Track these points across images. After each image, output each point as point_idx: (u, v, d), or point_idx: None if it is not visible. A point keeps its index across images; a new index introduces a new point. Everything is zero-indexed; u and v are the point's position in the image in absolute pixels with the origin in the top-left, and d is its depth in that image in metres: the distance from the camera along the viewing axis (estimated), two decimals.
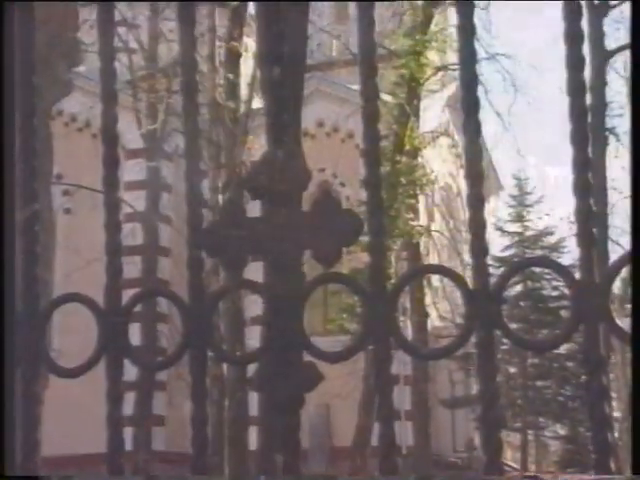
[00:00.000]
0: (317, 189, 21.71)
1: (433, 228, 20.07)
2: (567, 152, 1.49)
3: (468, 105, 1.52)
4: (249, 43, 16.56)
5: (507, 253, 23.22)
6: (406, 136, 17.23)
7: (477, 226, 1.48)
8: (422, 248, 18.55)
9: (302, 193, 1.50)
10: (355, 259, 11.34)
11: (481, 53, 18.94)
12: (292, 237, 1.48)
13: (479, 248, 1.48)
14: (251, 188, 1.49)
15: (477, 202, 1.49)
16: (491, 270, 1.52)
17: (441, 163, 22.11)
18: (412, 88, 17.47)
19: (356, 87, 1.57)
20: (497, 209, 24.57)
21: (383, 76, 16.98)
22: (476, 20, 1.60)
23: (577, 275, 1.47)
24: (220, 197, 14.25)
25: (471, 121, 1.51)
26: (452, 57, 17.51)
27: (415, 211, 17.69)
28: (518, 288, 22.11)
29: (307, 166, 1.56)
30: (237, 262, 1.49)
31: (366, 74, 1.54)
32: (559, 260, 1.59)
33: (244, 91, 15.81)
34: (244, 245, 1.48)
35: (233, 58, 15.07)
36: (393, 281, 1.54)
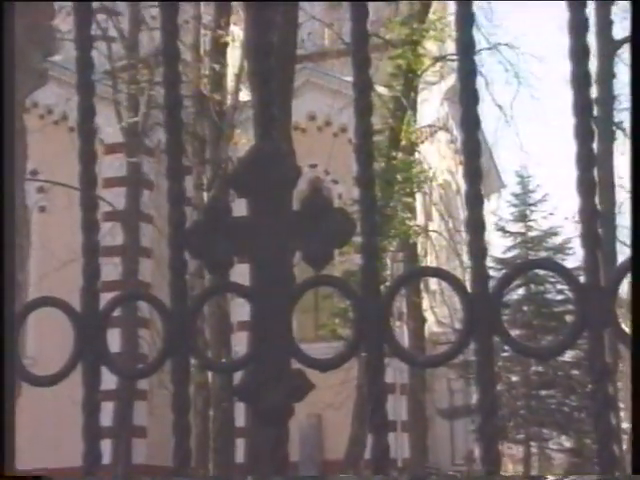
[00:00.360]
0: (308, 186, 21.73)
1: (431, 228, 20.11)
2: (572, 147, 1.50)
3: (467, 98, 1.52)
4: (236, 32, 16.57)
5: (509, 254, 23.28)
6: (402, 131, 17.26)
7: (476, 226, 1.48)
8: (419, 249, 18.59)
9: (292, 191, 1.50)
10: (348, 261, 11.35)
11: (482, 43, 19.03)
12: (280, 237, 1.48)
13: (478, 249, 1.48)
14: (237, 186, 1.50)
15: (476, 201, 1.49)
16: (492, 273, 1.52)
17: (439, 159, 22.16)
18: (409, 80, 17.50)
19: (349, 78, 1.58)
20: (499, 208, 24.61)
21: (378, 67, 16.99)
22: (476, 8, 1.61)
23: (582, 278, 1.47)
24: (205, 195, 14.26)
25: (470, 115, 1.51)
26: (451, 47, 17.55)
27: (412, 210, 17.72)
28: (520, 292, 22.17)
29: (297, 162, 1.57)
30: (222, 264, 1.49)
31: (359, 65, 1.54)
32: (564, 262, 1.60)
33: (231, 83, 15.82)
34: (229, 246, 1.48)
35: (219, 47, 15.08)
36: (388, 284, 1.55)
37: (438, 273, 1.54)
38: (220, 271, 1.52)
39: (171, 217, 1.54)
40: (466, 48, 1.53)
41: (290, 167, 1.48)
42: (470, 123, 1.51)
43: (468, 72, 1.52)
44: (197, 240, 1.49)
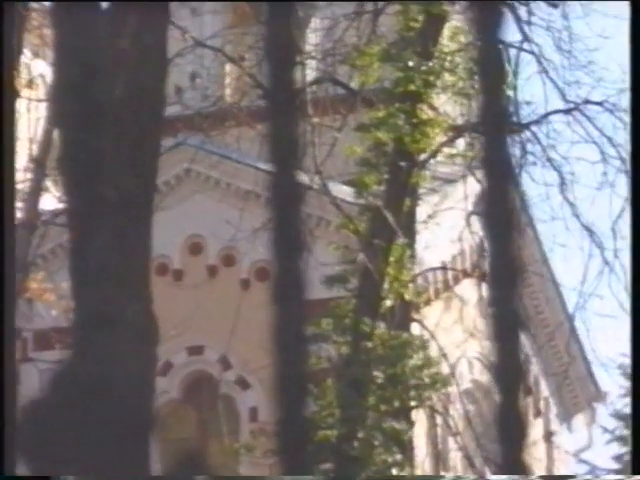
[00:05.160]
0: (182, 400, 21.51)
1: None
2: None
3: (498, 215, 1.52)
4: (39, 68, 16.80)
5: None
6: (387, 278, 17.39)
7: None
8: None
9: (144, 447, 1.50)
10: None
11: (552, 100, 19.28)
12: None
13: None
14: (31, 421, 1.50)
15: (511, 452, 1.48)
16: None
17: (464, 337, 22.28)
18: (400, 172, 17.74)
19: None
20: (591, 444, 24.70)
21: (338, 146, 17.09)
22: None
23: None
24: None
25: (500, 259, 1.49)
26: None
27: (403, 446, 17.73)
28: None
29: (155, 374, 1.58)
30: None
31: (282, 141, 1.57)
32: None
33: (24, 176, 15.92)
34: None
35: (2, 102, 15.22)
36: None
37: None
38: None
39: None
40: (495, 112, 1.54)
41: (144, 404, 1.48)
42: (502, 277, 1.48)
43: (502, 161, 1.52)
44: None
